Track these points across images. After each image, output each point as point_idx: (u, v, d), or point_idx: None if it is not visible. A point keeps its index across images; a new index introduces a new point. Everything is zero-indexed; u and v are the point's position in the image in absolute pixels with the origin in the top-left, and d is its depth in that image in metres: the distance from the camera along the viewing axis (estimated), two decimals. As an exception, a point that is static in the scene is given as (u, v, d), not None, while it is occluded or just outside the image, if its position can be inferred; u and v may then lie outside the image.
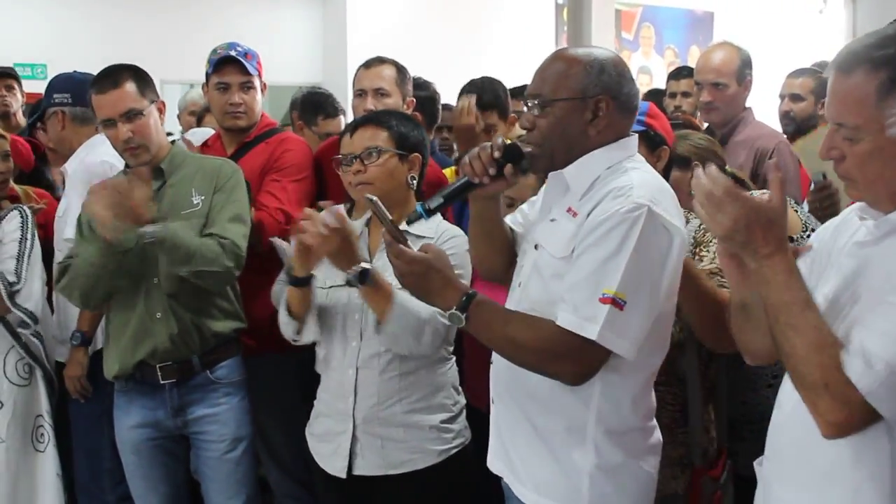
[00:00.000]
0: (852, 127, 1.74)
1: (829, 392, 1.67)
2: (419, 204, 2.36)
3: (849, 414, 1.66)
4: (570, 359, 2.12)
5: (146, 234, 2.93)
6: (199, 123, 5.18)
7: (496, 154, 2.30)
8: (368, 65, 3.88)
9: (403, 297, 2.59)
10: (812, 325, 1.70)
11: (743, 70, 4.15)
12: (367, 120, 2.91)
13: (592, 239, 2.12)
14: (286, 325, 2.85)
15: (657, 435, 2.38)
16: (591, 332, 2.07)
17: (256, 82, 3.69)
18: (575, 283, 2.13)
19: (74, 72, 4.01)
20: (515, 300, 2.36)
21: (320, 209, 2.65)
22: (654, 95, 5.40)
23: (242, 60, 3.64)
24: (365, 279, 2.56)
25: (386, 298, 2.59)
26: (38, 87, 7.11)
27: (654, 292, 2.12)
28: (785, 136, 4.33)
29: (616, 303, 2.06)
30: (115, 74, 3.14)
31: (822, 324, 1.71)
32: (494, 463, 2.44)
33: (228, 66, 3.64)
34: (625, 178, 2.18)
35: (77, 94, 3.81)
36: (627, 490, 2.28)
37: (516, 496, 2.35)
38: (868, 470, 1.73)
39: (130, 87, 3.12)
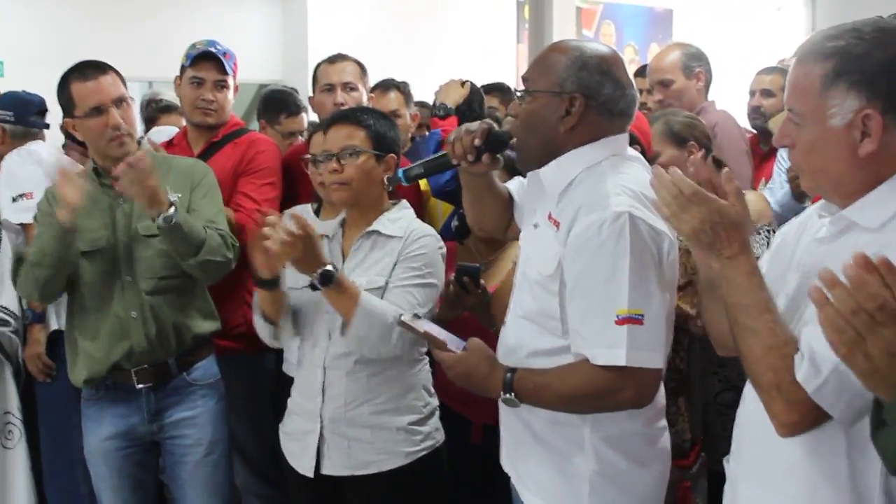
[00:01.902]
0: (799, 113, 1.75)
1: (780, 394, 1.68)
2: (401, 169, 2.44)
3: (799, 415, 1.67)
4: (619, 390, 2.09)
5: (169, 216, 2.84)
6: (152, 124, 5.08)
7: (477, 142, 2.30)
8: (332, 60, 3.94)
9: (369, 298, 2.58)
10: (768, 328, 1.70)
11: (688, 63, 4.19)
12: (343, 117, 2.85)
13: (584, 262, 2.08)
14: (262, 329, 2.84)
15: (665, 439, 2.34)
16: (619, 358, 2.04)
17: (230, 82, 3.67)
18: (585, 315, 2.09)
19: (23, 91, 4.17)
20: (514, 300, 2.36)
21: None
22: None
23: (221, 59, 3.62)
24: (328, 281, 2.53)
25: (351, 300, 2.56)
26: (-5, 84, 7.06)
27: (664, 296, 2.09)
28: (729, 113, 4.37)
29: (633, 319, 2.03)
30: (97, 64, 3.08)
31: (777, 326, 1.71)
32: (505, 463, 2.43)
33: (206, 62, 3.62)
34: (601, 185, 2.12)
35: (20, 112, 4.02)
36: (631, 497, 2.25)
37: (521, 499, 2.34)
38: (824, 466, 1.73)
39: (114, 75, 3.08)
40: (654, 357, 2.07)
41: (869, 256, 1.38)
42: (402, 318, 2.38)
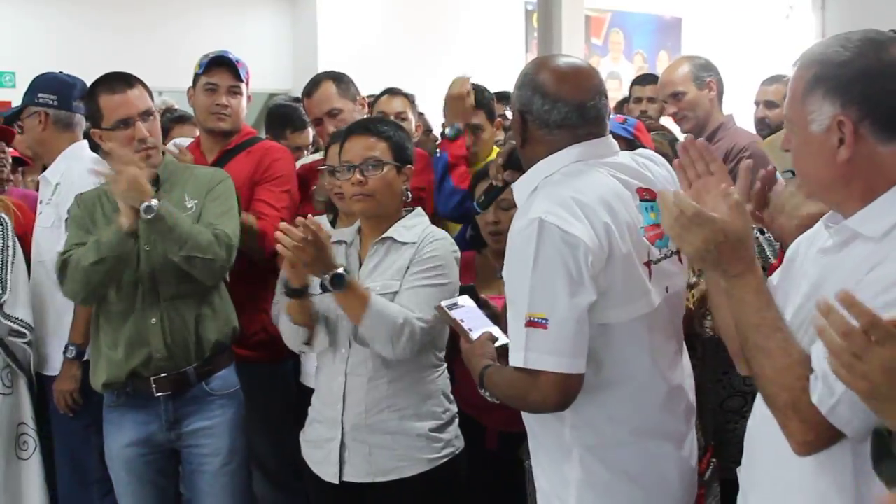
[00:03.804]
0: (788, 118, 1.78)
1: (796, 413, 1.68)
2: (475, 202, 2.73)
3: (816, 434, 1.67)
4: (526, 392, 2.12)
5: (149, 207, 2.84)
6: (166, 135, 5.03)
7: (500, 160, 2.51)
8: (309, 93, 3.91)
9: (378, 300, 2.62)
10: (780, 348, 1.71)
11: (698, 74, 4.19)
12: (364, 129, 2.85)
13: (507, 268, 2.15)
14: (290, 333, 2.84)
15: (672, 458, 2.29)
16: (518, 360, 2.07)
17: (244, 89, 3.69)
18: (510, 318, 2.14)
19: (60, 72, 3.87)
20: None
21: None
22: (621, 105, 5.50)
23: (234, 64, 3.65)
24: (339, 284, 2.56)
25: (361, 302, 2.60)
26: (8, 94, 7.08)
27: (575, 301, 2.05)
28: (759, 140, 4.37)
29: (535, 323, 2.04)
30: (125, 76, 3.12)
31: (789, 345, 1.71)
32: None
33: (220, 67, 3.64)
34: (534, 195, 2.18)
35: (63, 97, 3.70)
36: None
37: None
38: (832, 482, 1.73)
39: (141, 88, 3.11)
40: (559, 361, 2.05)
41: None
42: (441, 303, 2.49)
